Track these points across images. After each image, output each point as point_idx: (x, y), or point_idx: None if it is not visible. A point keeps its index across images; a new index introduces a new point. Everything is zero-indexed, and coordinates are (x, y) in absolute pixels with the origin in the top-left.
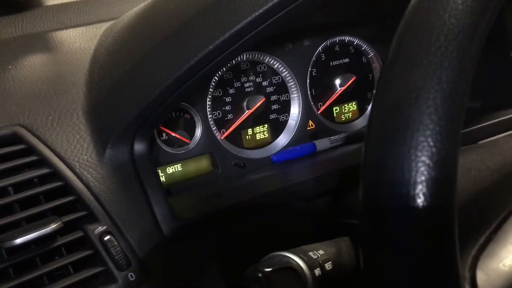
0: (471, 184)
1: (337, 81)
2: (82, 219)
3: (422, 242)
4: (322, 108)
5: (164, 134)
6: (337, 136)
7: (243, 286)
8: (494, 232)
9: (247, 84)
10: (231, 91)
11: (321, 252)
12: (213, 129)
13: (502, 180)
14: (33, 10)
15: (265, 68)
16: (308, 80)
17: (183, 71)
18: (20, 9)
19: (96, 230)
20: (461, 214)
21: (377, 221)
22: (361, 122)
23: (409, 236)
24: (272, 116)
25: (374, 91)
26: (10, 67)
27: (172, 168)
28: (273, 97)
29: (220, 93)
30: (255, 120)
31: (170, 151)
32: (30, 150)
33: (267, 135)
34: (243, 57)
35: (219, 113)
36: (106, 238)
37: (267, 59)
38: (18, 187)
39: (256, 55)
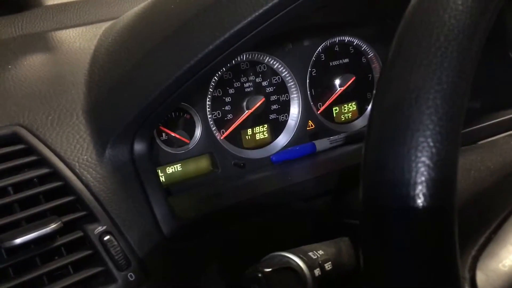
0: (471, 184)
1: (337, 81)
2: (82, 219)
3: (422, 242)
4: (322, 108)
5: (164, 134)
6: (336, 136)
7: (243, 286)
8: (494, 233)
9: (247, 84)
10: (231, 91)
11: (320, 252)
12: (213, 129)
13: (502, 181)
14: (32, 10)
15: (265, 68)
16: (307, 80)
17: (183, 71)
18: (20, 9)
19: (96, 230)
20: (461, 215)
21: (377, 221)
22: (360, 122)
23: (409, 236)
24: (272, 116)
25: (374, 91)
26: (10, 67)
27: (172, 168)
28: (273, 97)
29: (220, 93)
30: (255, 120)
31: (170, 151)
32: (30, 150)
33: (266, 135)
34: (243, 57)
35: (218, 113)
36: (106, 238)
37: (267, 59)
38: (18, 187)
39: (256, 55)
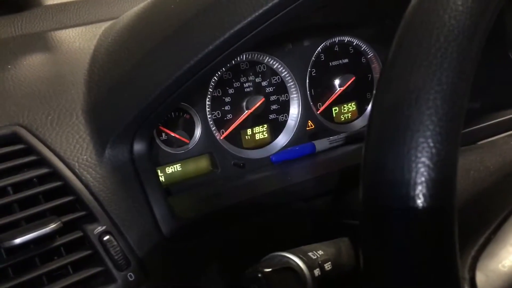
0: (471, 184)
1: (337, 81)
2: (81, 219)
3: (422, 242)
4: (322, 108)
5: (163, 134)
6: (336, 136)
7: (243, 286)
8: (493, 233)
9: (246, 84)
10: (231, 91)
11: (320, 252)
12: (213, 129)
13: (502, 181)
14: (32, 9)
15: (264, 68)
16: (307, 80)
17: (183, 71)
18: (19, 8)
19: (95, 230)
20: (460, 215)
21: (377, 221)
22: (360, 123)
23: (409, 237)
24: (272, 116)
25: (374, 92)
26: (9, 66)
27: (172, 168)
28: (273, 97)
29: (219, 93)
30: (255, 120)
31: (169, 151)
32: (29, 150)
33: (266, 135)
34: (243, 57)
35: (218, 113)
36: (106, 238)
37: (266, 59)
38: (18, 187)
39: (256, 55)
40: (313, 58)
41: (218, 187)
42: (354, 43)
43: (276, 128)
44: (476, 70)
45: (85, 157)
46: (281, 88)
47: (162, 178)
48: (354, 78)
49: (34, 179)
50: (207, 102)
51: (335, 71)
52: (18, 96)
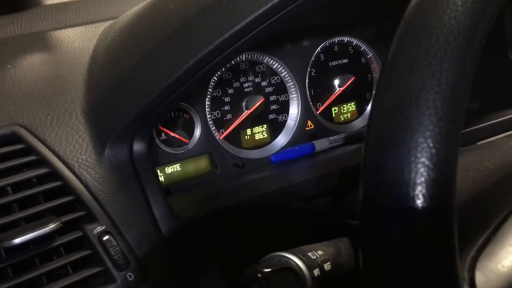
0: (470, 185)
1: (336, 82)
2: (81, 219)
3: (422, 242)
4: (321, 108)
5: (163, 134)
6: (336, 136)
7: (243, 286)
8: (493, 233)
9: (246, 84)
10: (230, 91)
11: (320, 252)
12: (212, 129)
13: (501, 181)
14: (32, 9)
15: (264, 68)
16: (307, 81)
17: (183, 71)
18: (19, 8)
19: (95, 230)
20: (460, 215)
21: (376, 221)
22: (360, 123)
23: (408, 237)
24: (271, 116)
25: (374, 92)
26: (9, 66)
27: (171, 168)
28: (272, 97)
29: (219, 93)
30: (254, 120)
31: (169, 151)
32: (29, 149)
33: (266, 135)
34: (243, 57)
35: (218, 113)
36: (105, 238)
37: (266, 59)
38: (17, 187)
39: (256, 55)
40: (312, 58)
41: (218, 187)
42: (354, 43)
43: (275, 128)
44: (476, 71)
45: (84, 157)
46: (281, 88)
47: (161, 178)
48: (353, 78)
49: (34, 179)
50: (207, 102)
51: (335, 71)
52: (18, 96)
